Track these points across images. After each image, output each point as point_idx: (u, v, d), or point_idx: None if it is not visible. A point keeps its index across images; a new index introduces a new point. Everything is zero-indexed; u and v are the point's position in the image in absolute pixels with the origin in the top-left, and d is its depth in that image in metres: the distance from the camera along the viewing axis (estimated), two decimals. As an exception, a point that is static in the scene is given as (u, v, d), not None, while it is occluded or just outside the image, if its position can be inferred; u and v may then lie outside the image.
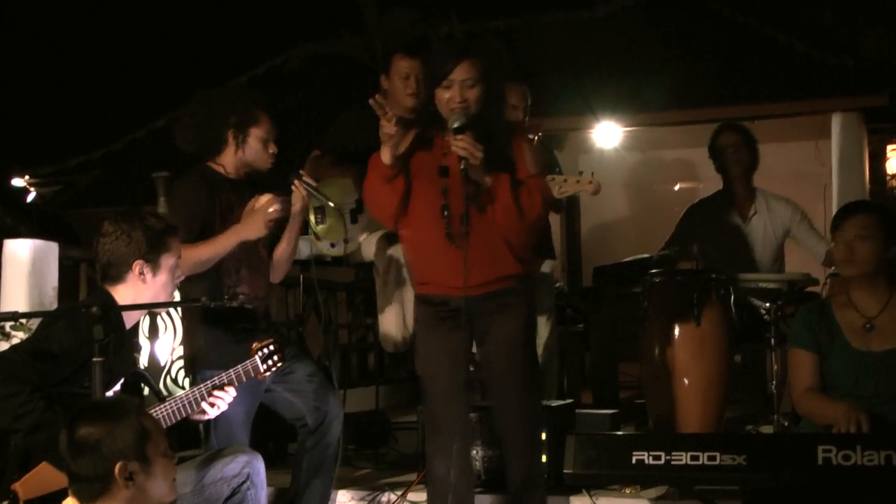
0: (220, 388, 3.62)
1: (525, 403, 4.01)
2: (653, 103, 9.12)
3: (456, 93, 3.84)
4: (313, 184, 4.30)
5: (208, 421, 3.81)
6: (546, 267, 5.74)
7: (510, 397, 3.98)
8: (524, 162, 3.97)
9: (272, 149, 4.27)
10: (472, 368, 4.16)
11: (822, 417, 3.63)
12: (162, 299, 3.70)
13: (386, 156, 3.86)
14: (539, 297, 5.70)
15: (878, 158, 9.62)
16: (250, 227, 4.08)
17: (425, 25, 10.53)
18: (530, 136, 4.37)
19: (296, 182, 4.24)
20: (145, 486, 2.82)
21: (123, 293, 3.60)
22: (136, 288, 3.60)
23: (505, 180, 3.85)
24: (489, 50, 3.99)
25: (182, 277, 3.78)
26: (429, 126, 3.99)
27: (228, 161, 4.25)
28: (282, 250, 4.39)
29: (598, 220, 5.93)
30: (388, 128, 3.80)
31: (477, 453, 4.48)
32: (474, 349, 4.17)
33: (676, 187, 9.87)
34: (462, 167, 3.74)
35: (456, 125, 3.79)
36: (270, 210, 4.07)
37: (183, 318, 4.50)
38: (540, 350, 5.71)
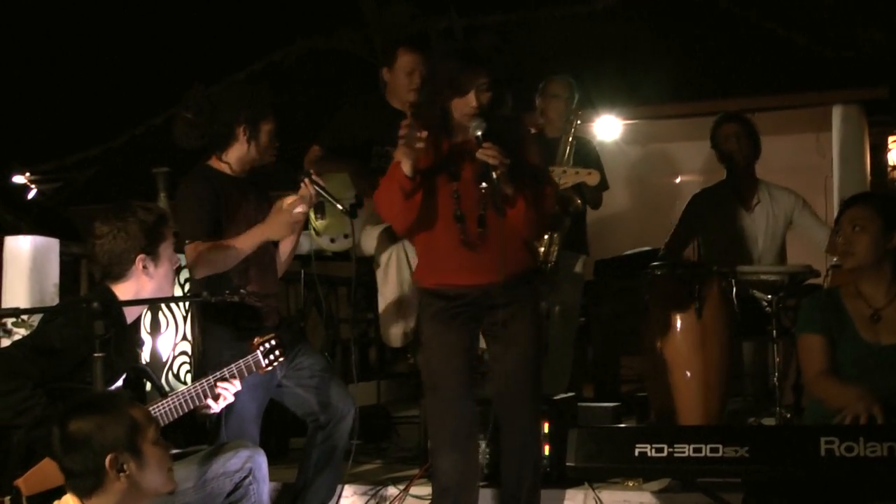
0: (225, 380, 3.62)
1: (535, 397, 4.02)
2: (652, 97, 9.10)
3: (472, 98, 3.83)
4: (322, 184, 4.29)
5: (215, 416, 3.81)
6: (578, 266, 5.72)
7: (522, 391, 3.97)
8: (534, 160, 3.99)
9: (275, 143, 4.26)
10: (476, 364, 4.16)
11: (835, 400, 3.60)
12: (166, 289, 3.71)
13: (408, 168, 3.81)
14: (567, 291, 5.70)
15: (880, 150, 9.60)
16: (276, 228, 4.06)
17: (424, 20, 10.52)
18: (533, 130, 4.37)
19: (305, 181, 4.23)
20: (139, 477, 2.81)
21: (126, 289, 3.60)
22: (140, 282, 3.61)
23: (522, 183, 3.86)
24: (494, 52, 3.99)
25: (178, 262, 3.78)
26: (437, 130, 3.94)
27: (234, 157, 4.21)
28: (284, 248, 4.39)
29: (599, 213, 5.91)
30: (418, 142, 3.76)
31: (482, 448, 4.46)
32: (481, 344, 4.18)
33: (677, 180, 9.85)
34: (495, 176, 3.73)
35: (479, 133, 3.77)
36: (297, 211, 4.06)
37: (193, 319, 4.49)
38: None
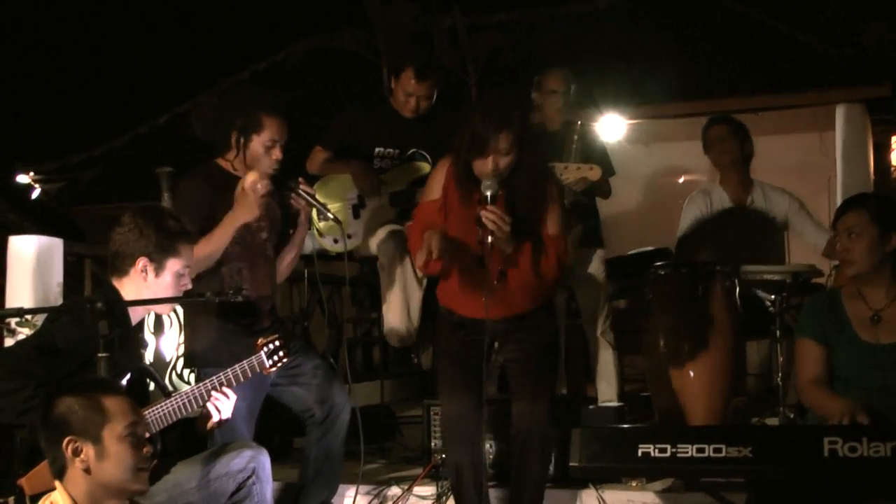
0: (226, 385, 3.62)
1: (546, 403, 4.05)
2: (656, 96, 9.10)
3: (490, 161, 3.86)
4: (311, 192, 4.31)
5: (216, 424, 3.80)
6: (594, 262, 5.68)
7: (533, 398, 4.02)
8: (550, 222, 4.03)
9: (276, 155, 4.20)
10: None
11: (822, 409, 3.65)
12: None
13: (437, 251, 3.87)
14: (585, 294, 5.69)
15: (883, 149, 9.59)
16: (243, 210, 4.06)
17: (427, 19, 10.52)
18: (561, 186, 4.40)
19: (293, 196, 4.25)
20: (96, 467, 2.78)
21: (127, 287, 3.62)
22: (138, 284, 3.62)
23: (527, 248, 3.94)
24: (524, 116, 4.03)
25: (188, 286, 3.77)
26: (464, 177, 3.98)
27: (233, 159, 4.23)
28: (285, 256, 4.42)
29: (602, 213, 5.89)
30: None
31: (490, 447, 4.47)
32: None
33: (681, 180, 9.83)
34: (489, 240, 3.78)
35: (488, 193, 3.82)
36: (259, 187, 4.05)
37: (185, 315, 4.48)
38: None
